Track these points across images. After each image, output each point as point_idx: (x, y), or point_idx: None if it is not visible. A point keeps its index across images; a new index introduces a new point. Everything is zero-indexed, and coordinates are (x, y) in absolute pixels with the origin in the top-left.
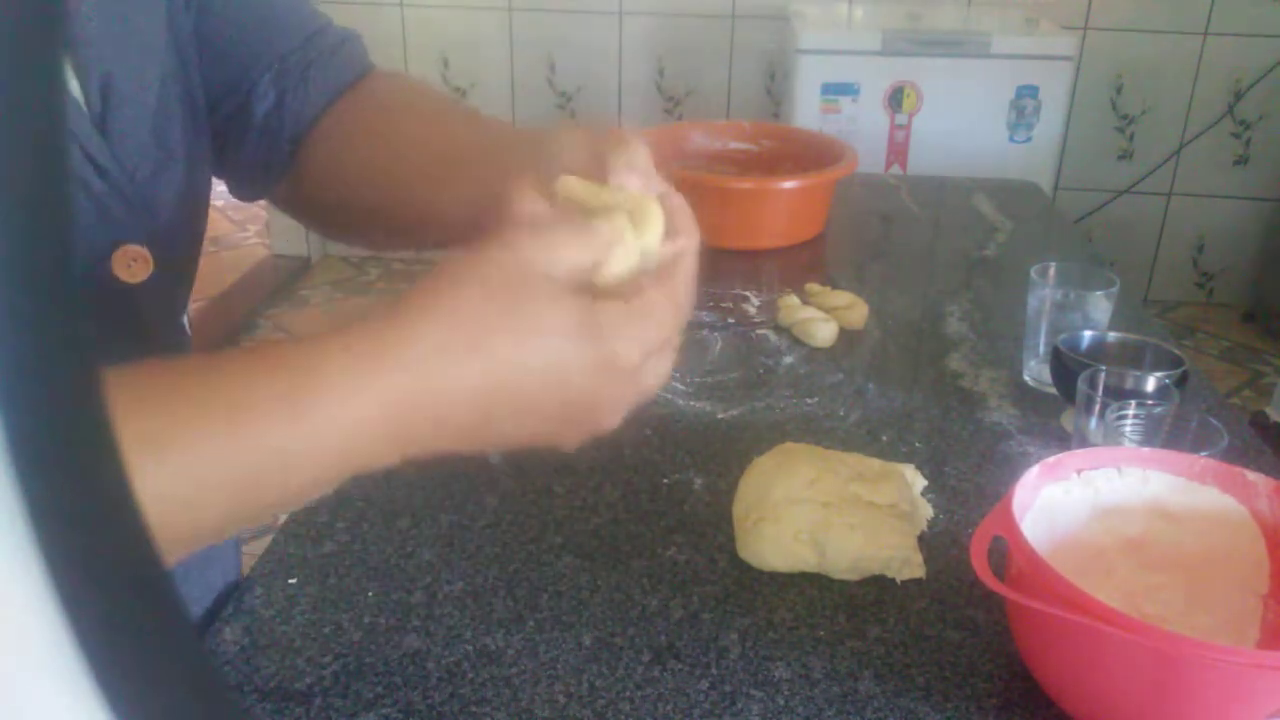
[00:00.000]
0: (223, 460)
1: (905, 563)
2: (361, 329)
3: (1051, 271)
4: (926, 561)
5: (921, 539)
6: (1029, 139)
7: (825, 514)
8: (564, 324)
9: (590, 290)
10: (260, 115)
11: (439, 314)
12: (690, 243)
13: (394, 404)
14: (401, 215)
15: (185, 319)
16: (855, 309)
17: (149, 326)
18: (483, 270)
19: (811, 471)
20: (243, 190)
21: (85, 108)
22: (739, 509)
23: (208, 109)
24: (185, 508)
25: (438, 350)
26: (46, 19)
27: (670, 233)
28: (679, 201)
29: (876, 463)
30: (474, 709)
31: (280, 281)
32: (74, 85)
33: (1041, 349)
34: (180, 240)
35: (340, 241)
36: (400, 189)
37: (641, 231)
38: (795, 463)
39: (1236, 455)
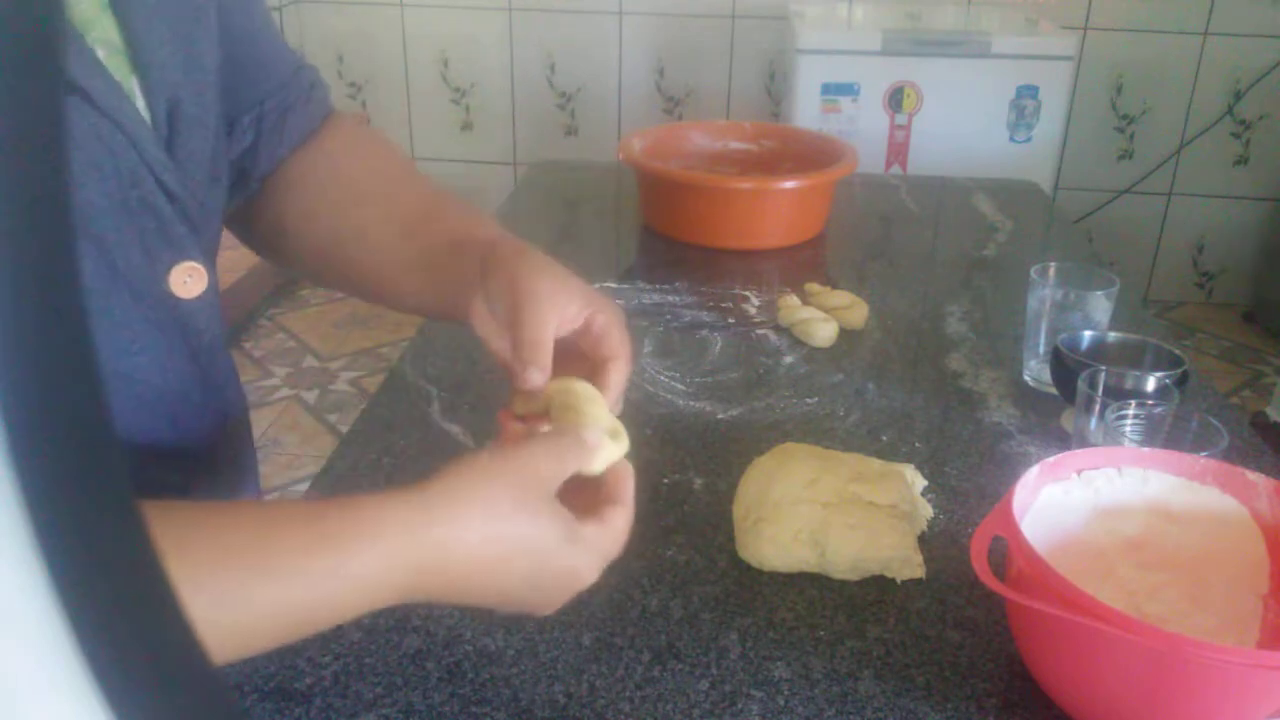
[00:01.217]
0: (269, 602)
1: (905, 563)
2: (398, 505)
3: (1051, 271)
4: (926, 561)
5: (921, 539)
6: (1029, 139)
7: (825, 514)
8: (556, 535)
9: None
10: (237, 153)
11: (462, 503)
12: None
13: (417, 571)
14: (350, 266)
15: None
16: (855, 309)
17: (201, 337)
18: (503, 476)
19: (811, 471)
20: None
21: (153, 131)
22: (739, 509)
23: None
24: (230, 634)
25: (459, 531)
26: (47, 46)
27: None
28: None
29: (876, 463)
30: (474, 709)
31: (280, 281)
32: (142, 108)
33: (1041, 349)
34: (217, 252)
35: (288, 268)
36: (351, 242)
37: (616, 440)
38: (795, 463)
39: (1236, 455)
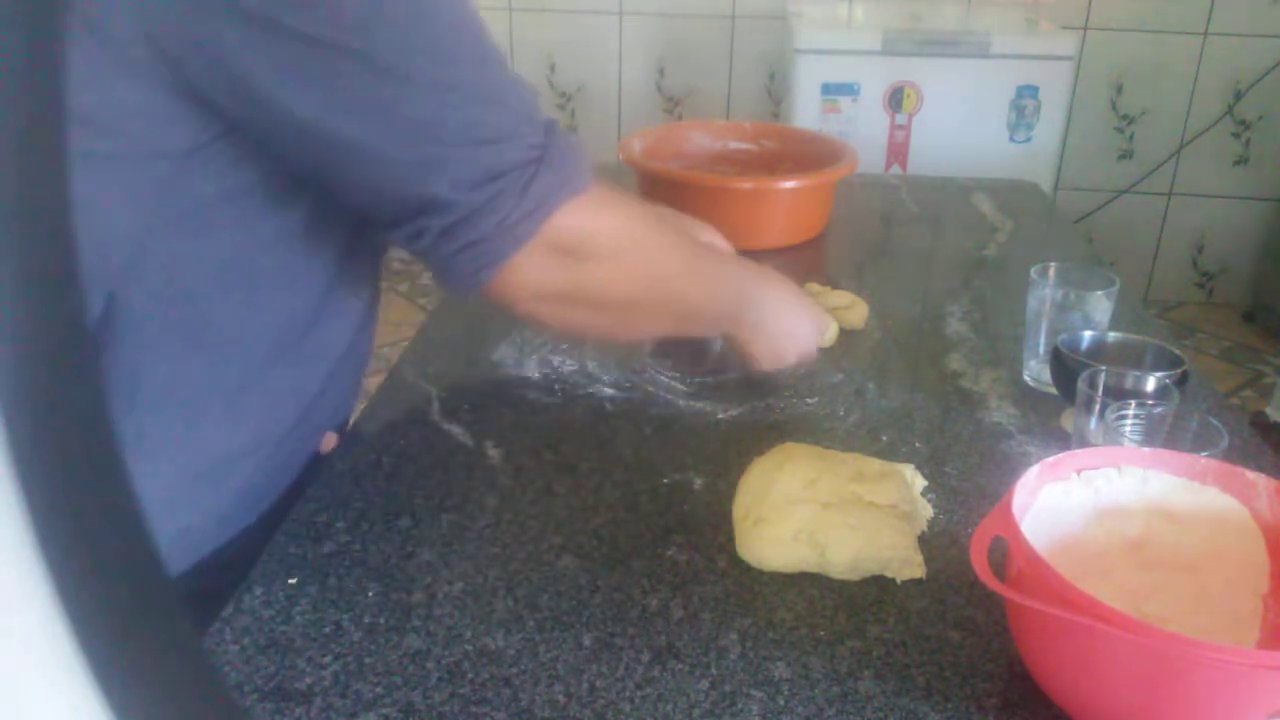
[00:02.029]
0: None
1: (905, 563)
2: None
3: (1051, 271)
4: (926, 561)
5: (921, 539)
6: (1029, 139)
7: (825, 514)
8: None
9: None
10: None
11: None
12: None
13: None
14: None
15: None
16: (855, 309)
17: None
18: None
19: (811, 471)
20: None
21: None
22: (739, 509)
23: None
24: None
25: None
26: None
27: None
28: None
29: (876, 463)
30: (474, 709)
31: None
32: None
33: (1041, 349)
34: None
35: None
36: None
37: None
38: (795, 463)
39: (1236, 455)
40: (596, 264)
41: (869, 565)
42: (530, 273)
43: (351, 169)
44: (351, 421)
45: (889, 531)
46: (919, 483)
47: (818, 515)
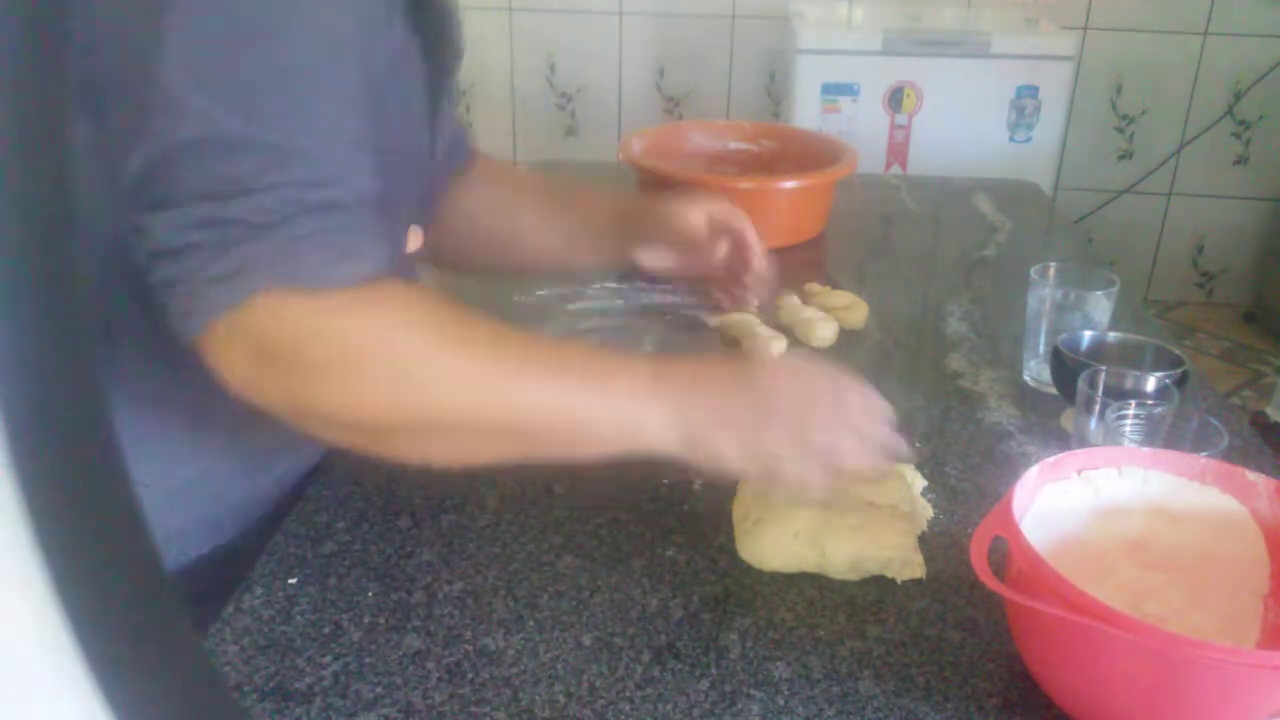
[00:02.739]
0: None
1: (905, 563)
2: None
3: (1051, 271)
4: (926, 561)
5: (921, 539)
6: (1029, 139)
7: (825, 514)
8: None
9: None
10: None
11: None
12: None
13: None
14: (508, 256)
15: None
16: (855, 309)
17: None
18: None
19: None
20: None
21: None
22: (738, 509)
23: None
24: (533, 419)
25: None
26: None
27: None
28: None
29: None
30: (474, 709)
31: None
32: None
33: (1041, 349)
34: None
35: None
36: (516, 258)
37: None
38: None
39: (1236, 455)
40: (321, 379)
41: (869, 565)
42: (234, 368)
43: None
44: None
45: (889, 532)
46: (919, 483)
47: (818, 516)
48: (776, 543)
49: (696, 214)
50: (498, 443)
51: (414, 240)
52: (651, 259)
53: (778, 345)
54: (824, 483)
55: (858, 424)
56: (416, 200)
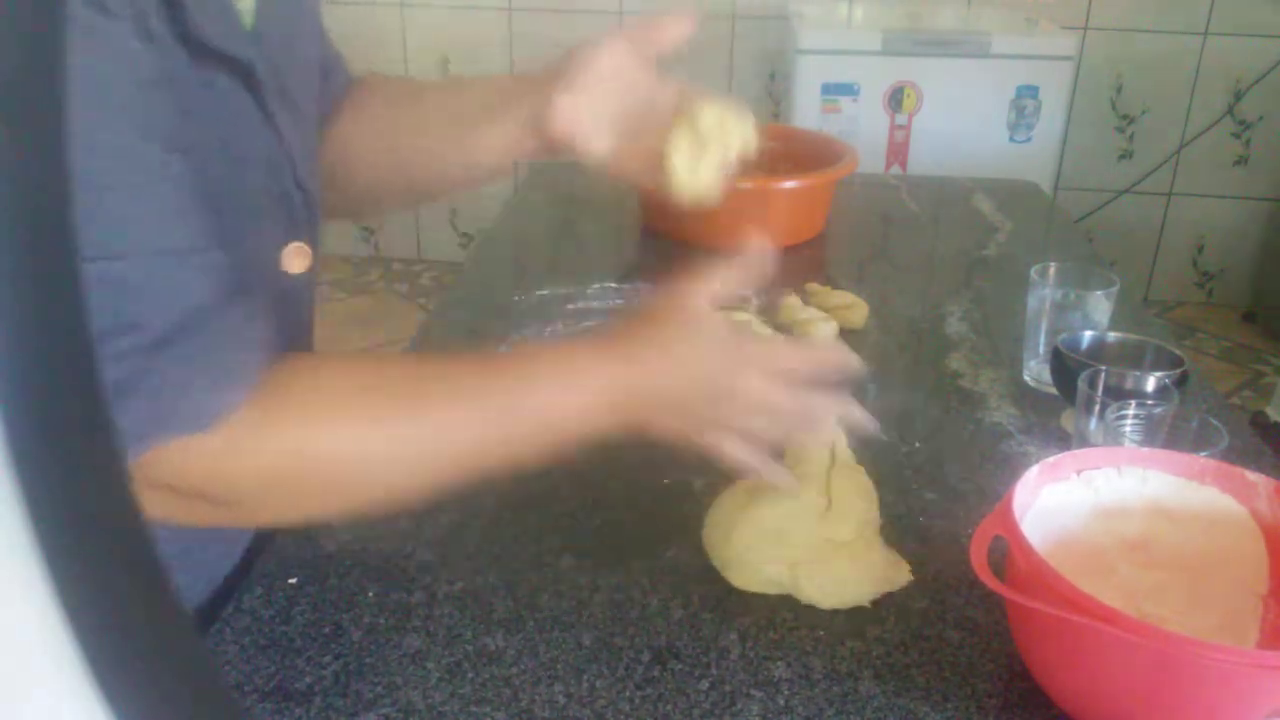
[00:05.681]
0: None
1: (888, 581)
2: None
3: (1051, 271)
4: (927, 561)
5: (921, 539)
6: (1029, 139)
7: (797, 572)
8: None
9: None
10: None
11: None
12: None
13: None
14: (424, 180)
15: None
16: (855, 309)
17: (302, 311)
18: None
19: (776, 518)
20: None
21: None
22: (709, 548)
23: None
24: (434, 458)
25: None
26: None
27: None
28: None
29: (799, 450)
30: (474, 709)
31: None
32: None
33: (1041, 349)
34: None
35: (346, 216)
36: (422, 158)
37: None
38: (748, 521)
39: (1236, 455)
40: (251, 509)
41: (861, 597)
42: (161, 509)
43: None
44: None
45: (864, 565)
46: (841, 442)
47: (790, 573)
48: (759, 588)
49: (618, 48)
50: (449, 477)
51: (299, 261)
52: (569, 105)
53: (828, 329)
54: (761, 464)
55: (751, 411)
56: (287, 218)
